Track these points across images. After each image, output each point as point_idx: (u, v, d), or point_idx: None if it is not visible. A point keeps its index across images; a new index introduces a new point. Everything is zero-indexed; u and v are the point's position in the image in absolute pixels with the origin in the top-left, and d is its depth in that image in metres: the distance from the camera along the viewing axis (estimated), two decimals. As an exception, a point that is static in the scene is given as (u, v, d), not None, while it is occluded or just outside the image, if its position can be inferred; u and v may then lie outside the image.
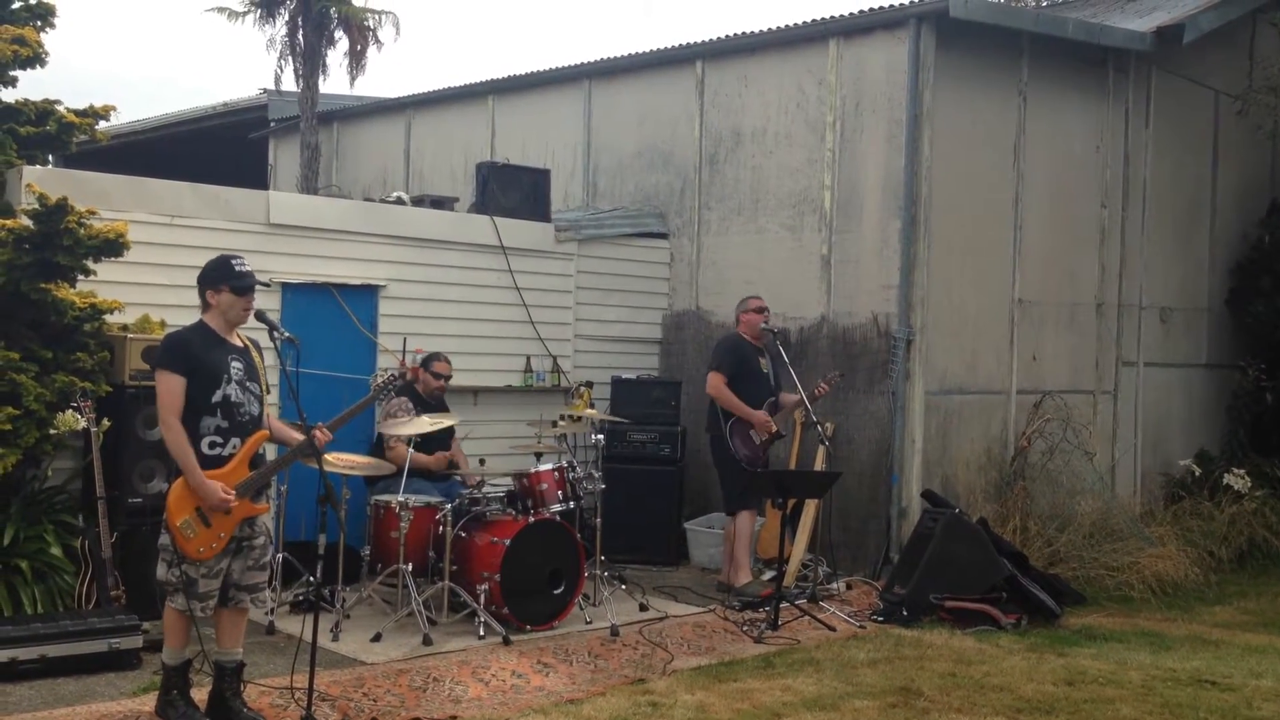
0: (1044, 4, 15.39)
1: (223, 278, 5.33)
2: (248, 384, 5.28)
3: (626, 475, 9.60)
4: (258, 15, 15.92)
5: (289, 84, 15.81)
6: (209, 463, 5.14)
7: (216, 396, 5.16)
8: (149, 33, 44.96)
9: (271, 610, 7.19)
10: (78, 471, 7.11)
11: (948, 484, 9.42)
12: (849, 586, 8.81)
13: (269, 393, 5.53)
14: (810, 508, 9.01)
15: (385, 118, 14.30)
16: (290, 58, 15.66)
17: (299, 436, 5.46)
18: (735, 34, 10.32)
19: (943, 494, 9.18)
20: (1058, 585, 8.66)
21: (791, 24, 9.89)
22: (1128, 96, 11.12)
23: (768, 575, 9.00)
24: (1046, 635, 7.66)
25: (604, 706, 5.81)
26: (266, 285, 5.42)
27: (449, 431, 8.23)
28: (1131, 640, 7.61)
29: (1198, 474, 11.57)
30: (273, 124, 16.00)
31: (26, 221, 6.31)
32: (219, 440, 5.18)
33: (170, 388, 5.09)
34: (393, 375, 5.78)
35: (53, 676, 5.81)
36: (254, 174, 16.41)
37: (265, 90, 15.89)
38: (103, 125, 17.15)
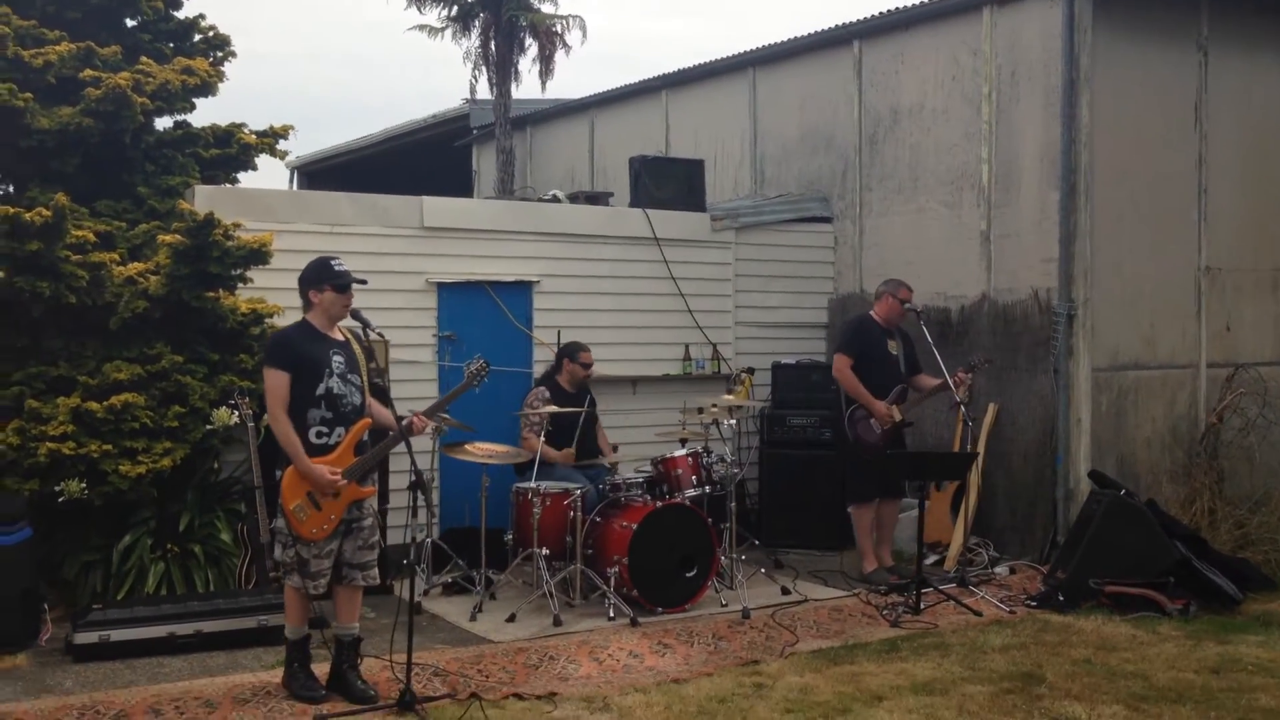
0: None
1: (324, 278, 5.67)
2: (349, 376, 5.63)
3: (788, 460, 9.63)
4: (455, 30, 16.68)
5: (484, 92, 16.50)
6: (316, 451, 5.52)
7: (320, 389, 5.53)
8: (368, 53, 47.77)
9: (425, 592, 7.63)
10: (248, 463, 7.72)
11: (1124, 464, 8.93)
12: (1013, 571, 8.52)
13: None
14: (971, 490, 8.78)
15: (571, 119, 14.73)
16: (484, 67, 16.32)
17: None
18: (890, 10, 10.10)
19: (1119, 475, 8.72)
20: (1244, 569, 8.08)
21: (944, -5, 9.61)
22: (1336, 41, 10.19)
23: (931, 559, 8.84)
24: (1215, 622, 7.17)
25: (706, 686, 5.88)
26: (364, 283, 5.74)
27: (591, 419, 8.45)
28: (1311, 628, 7.05)
29: None
30: (474, 131, 16.74)
31: (182, 236, 6.92)
32: (325, 430, 5.56)
33: (276, 383, 5.50)
34: (485, 363, 6.01)
35: (208, 650, 6.36)
36: (462, 180, 17.25)
37: (466, 100, 16.64)
38: (331, 144, 18.13)
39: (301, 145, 26.32)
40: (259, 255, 7.19)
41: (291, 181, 20.67)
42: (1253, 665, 6.16)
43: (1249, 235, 9.70)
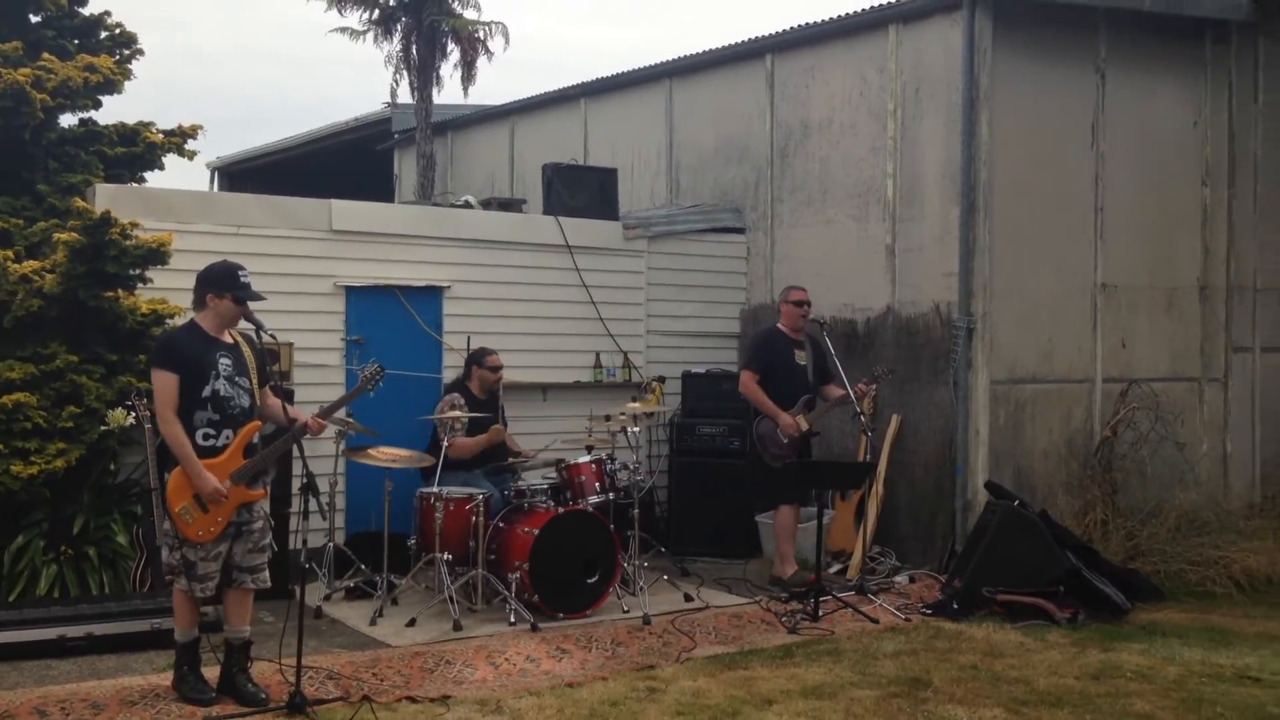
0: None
1: (228, 286, 5.64)
2: (236, 379, 5.60)
3: (697, 469, 9.74)
4: (376, 33, 16.61)
5: (405, 96, 16.45)
6: (204, 453, 5.48)
7: (206, 392, 5.50)
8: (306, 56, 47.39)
9: (327, 597, 7.60)
10: (146, 465, 7.61)
11: (1021, 476, 9.15)
12: (912, 580, 8.67)
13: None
14: (872, 500, 8.93)
15: (491, 125, 14.75)
16: (406, 71, 16.28)
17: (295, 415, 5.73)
18: (801, 25, 10.27)
19: (1016, 486, 8.93)
20: (1132, 580, 8.32)
21: (853, 11, 9.80)
22: (1230, 68, 10.52)
23: (835, 568, 8.98)
24: (1102, 630, 7.38)
25: (599, 690, 5.92)
26: (263, 298, 5.72)
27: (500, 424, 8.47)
28: (1192, 636, 7.26)
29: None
30: (396, 136, 16.67)
31: (78, 235, 6.82)
32: (212, 432, 5.52)
33: (164, 385, 5.45)
34: (379, 367, 6.00)
35: (99, 653, 6.27)
36: (384, 184, 17.16)
37: (387, 104, 16.57)
38: (256, 145, 17.94)
39: (239, 144, 25.97)
40: (158, 255, 7.12)
41: (212, 183, 20.38)
42: (1132, 672, 6.35)
43: (1144, 254, 9.99)
